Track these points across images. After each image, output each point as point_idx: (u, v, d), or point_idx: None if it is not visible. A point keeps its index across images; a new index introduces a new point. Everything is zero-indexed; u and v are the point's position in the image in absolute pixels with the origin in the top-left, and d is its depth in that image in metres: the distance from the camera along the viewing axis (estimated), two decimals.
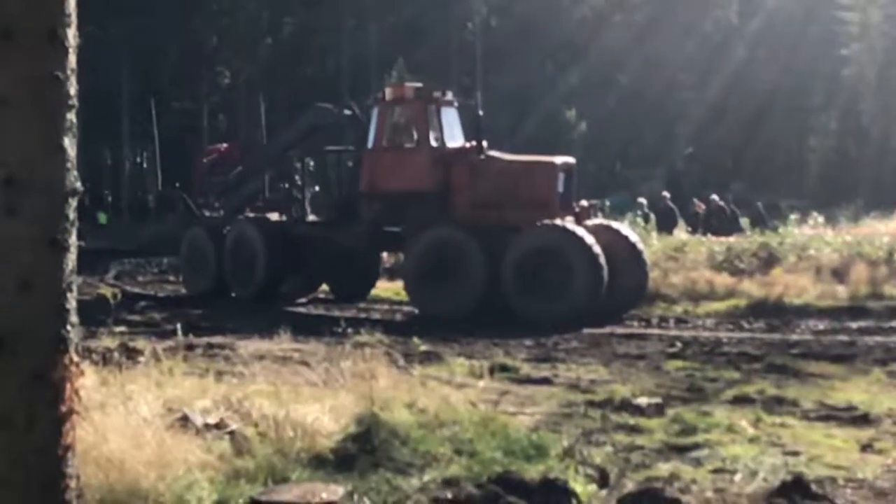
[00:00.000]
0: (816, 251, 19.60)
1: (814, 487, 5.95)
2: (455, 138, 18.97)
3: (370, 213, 19.06)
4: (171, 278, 25.15)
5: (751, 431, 8.12)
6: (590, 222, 17.96)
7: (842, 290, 17.87)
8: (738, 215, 26.53)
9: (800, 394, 9.83)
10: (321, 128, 21.38)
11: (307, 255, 20.16)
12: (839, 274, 18.56)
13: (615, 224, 19.07)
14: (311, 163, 21.66)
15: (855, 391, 10.04)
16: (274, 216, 21.08)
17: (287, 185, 21.81)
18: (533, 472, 6.30)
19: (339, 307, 19.65)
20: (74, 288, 4.38)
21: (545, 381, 10.79)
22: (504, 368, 11.35)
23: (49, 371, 4.22)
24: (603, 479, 6.57)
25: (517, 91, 48.45)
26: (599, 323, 15.86)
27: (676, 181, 45.27)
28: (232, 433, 6.62)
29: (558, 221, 17.12)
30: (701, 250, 20.37)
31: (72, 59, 4.28)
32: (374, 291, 21.15)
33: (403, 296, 18.93)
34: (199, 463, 5.94)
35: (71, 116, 4.29)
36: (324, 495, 5.60)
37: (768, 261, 19.54)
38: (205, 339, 13.11)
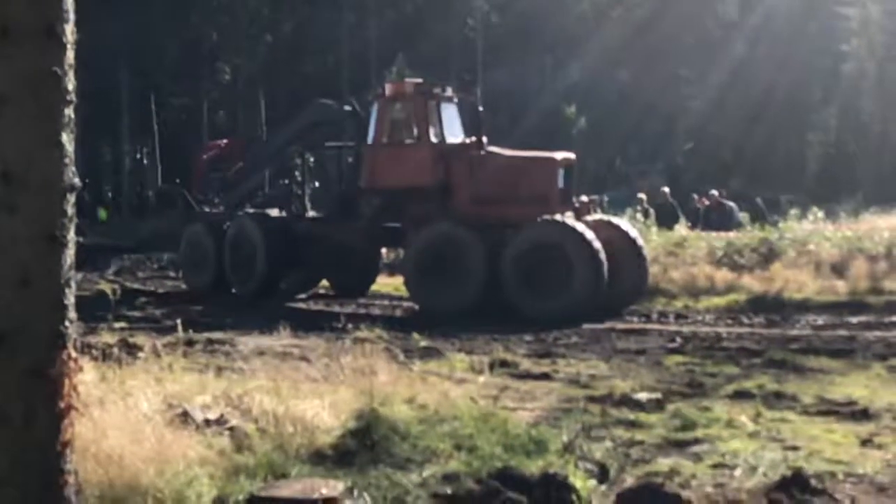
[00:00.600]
0: (816, 246, 19.60)
1: (813, 482, 5.95)
2: (455, 134, 18.96)
3: (370, 209, 19.06)
4: (171, 274, 25.14)
5: (750, 426, 8.13)
6: (590, 218, 17.95)
7: (841, 285, 17.87)
8: (735, 210, 26.51)
9: (799, 389, 9.83)
10: (321, 124, 21.36)
11: (307, 251, 20.14)
12: (839, 269, 18.57)
13: (615, 219, 19.05)
14: (311, 159, 21.65)
15: (855, 386, 10.04)
16: (274, 212, 21.07)
17: (287, 181, 21.81)
18: (533, 467, 6.30)
19: (338, 303, 19.64)
20: (73, 284, 4.38)
21: (545, 377, 10.80)
22: (504, 364, 11.34)
23: (47, 367, 4.22)
24: (603, 474, 6.57)
25: (517, 87, 48.43)
26: (599, 318, 15.85)
27: (676, 177, 45.26)
28: (232, 429, 6.62)
29: (558, 217, 17.12)
30: (701, 245, 20.36)
31: (70, 55, 4.28)
32: (374, 287, 21.15)
33: (403, 291, 18.93)
34: (199, 459, 5.94)
35: (69, 112, 4.29)
36: (324, 491, 5.59)
37: (768, 256, 19.54)
38: (205, 335, 13.11)
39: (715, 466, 6.86)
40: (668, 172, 48.11)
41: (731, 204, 27.10)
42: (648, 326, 15.73)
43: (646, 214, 24.29)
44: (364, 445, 6.55)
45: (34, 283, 4.18)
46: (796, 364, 11.31)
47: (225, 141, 26.46)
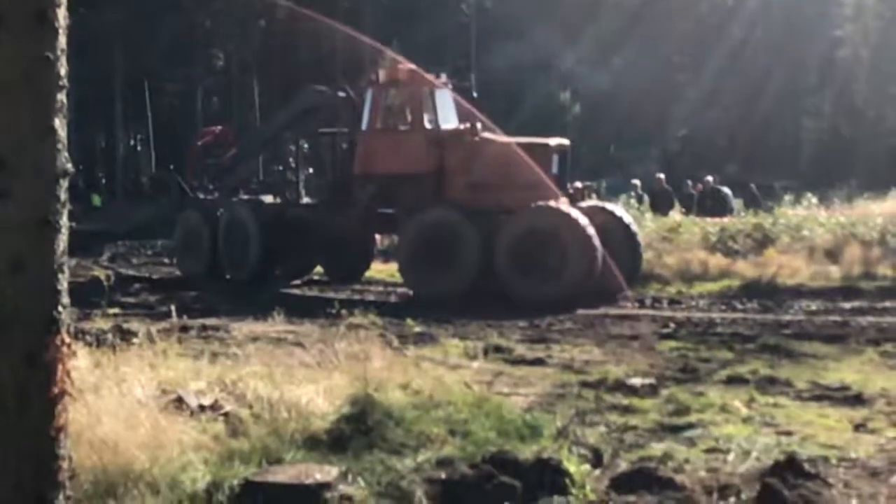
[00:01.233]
0: (810, 232, 19.65)
1: (807, 467, 5.96)
2: (449, 120, 18.94)
3: (364, 195, 19.04)
4: (166, 260, 25.13)
5: (744, 411, 8.15)
6: (584, 204, 17.96)
7: (835, 271, 17.92)
8: (729, 196, 26.54)
9: (793, 374, 9.86)
10: (315, 110, 21.32)
11: (301, 237, 20.12)
12: (832, 254, 18.61)
13: (609, 205, 19.07)
14: (306, 145, 21.64)
15: (848, 371, 10.08)
16: (268, 198, 21.07)
17: (281, 168, 21.84)
18: (527, 452, 6.31)
19: (333, 289, 19.65)
20: (66, 269, 4.37)
21: (539, 362, 10.82)
22: (498, 349, 11.37)
23: (41, 352, 4.22)
24: (596, 459, 6.58)
25: (511, 73, 48.30)
26: (593, 304, 15.87)
27: (670, 163, 45.25)
28: (226, 414, 6.62)
29: (552, 203, 17.12)
30: (695, 231, 20.39)
31: (62, 41, 4.26)
32: (368, 273, 21.16)
33: (398, 277, 18.93)
34: (194, 444, 5.95)
35: (62, 97, 4.27)
36: (318, 476, 5.60)
37: (762, 242, 19.58)
38: (199, 321, 13.12)
39: (708, 451, 6.89)
40: (662, 158, 48.12)
41: (726, 190, 27.12)
42: (642, 312, 15.75)
43: (640, 200, 24.30)
44: (358, 431, 6.55)
45: (27, 269, 4.17)
46: (790, 349, 11.33)
47: (219, 127, 26.39)
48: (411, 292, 18.05)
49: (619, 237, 17.44)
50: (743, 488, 5.69)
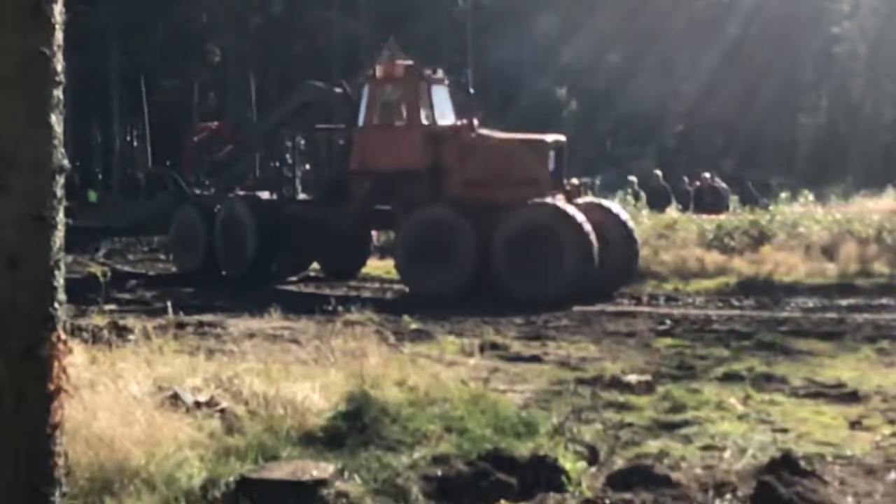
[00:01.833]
0: (806, 229, 19.66)
1: (802, 464, 5.96)
2: (446, 116, 18.93)
3: (361, 192, 19.01)
4: (162, 257, 25.09)
5: (740, 408, 8.16)
6: (580, 200, 17.95)
7: (831, 268, 17.93)
8: (727, 192, 26.57)
9: (789, 371, 9.87)
10: (312, 105, 21.31)
11: (298, 234, 20.11)
12: (829, 251, 18.63)
13: (605, 202, 19.07)
14: (302, 141, 21.59)
15: (844, 368, 10.08)
16: (264, 194, 21.02)
17: (278, 164, 21.77)
18: (523, 449, 6.32)
19: (329, 285, 19.64)
20: (62, 265, 4.36)
21: (535, 359, 10.82)
22: (494, 346, 11.38)
23: (36, 349, 4.21)
24: (593, 457, 6.59)
25: (508, 69, 48.28)
26: (589, 301, 15.87)
27: (667, 159, 45.23)
28: (222, 411, 6.62)
29: (549, 199, 17.12)
30: (691, 228, 20.40)
31: (58, 36, 4.25)
32: (364, 270, 21.15)
33: (394, 274, 18.92)
34: (189, 441, 5.94)
35: (57, 93, 4.26)
36: (314, 473, 5.59)
37: (758, 239, 19.59)
38: (195, 318, 13.12)
39: (704, 448, 6.89)
40: (659, 155, 48.08)
41: (724, 186, 27.15)
42: (639, 309, 15.76)
43: (637, 197, 24.31)
44: (354, 428, 6.55)
45: (22, 265, 4.16)
46: (786, 346, 11.35)
47: (215, 123, 26.36)
48: (408, 289, 18.04)
49: (615, 234, 17.44)
50: (739, 485, 5.69)
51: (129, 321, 10.95)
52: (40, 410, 4.27)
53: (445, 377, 8.24)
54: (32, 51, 4.15)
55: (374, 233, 21.75)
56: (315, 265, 21.71)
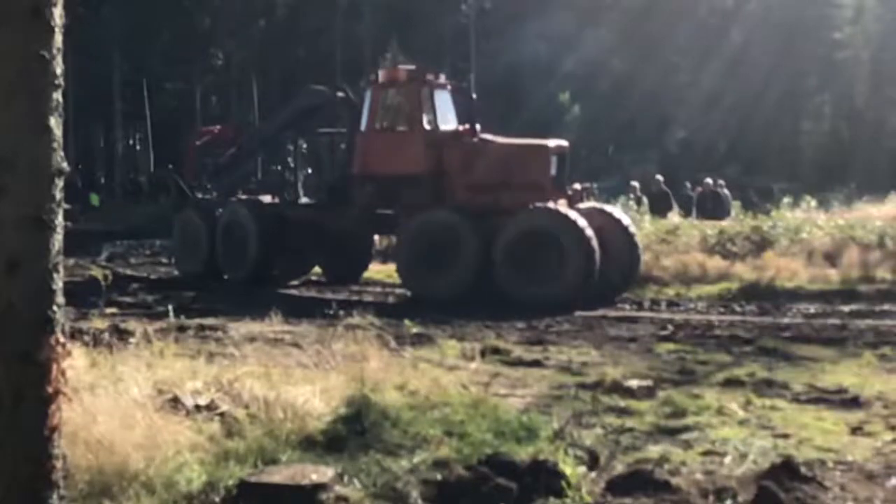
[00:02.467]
0: (808, 235, 19.64)
1: (803, 470, 5.95)
2: (448, 121, 18.94)
3: (363, 196, 19.00)
4: (164, 260, 25.11)
5: (741, 414, 8.14)
6: (582, 205, 17.95)
7: (833, 274, 17.91)
8: (729, 198, 26.56)
9: (790, 377, 9.84)
10: (314, 110, 21.31)
11: (299, 238, 20.10)
12: (831, 257, 18.61)
13: (608, 207, 19.06)
14: (304, 145, 21.62)
15: (845, 374, 10.06)
16: (266, 198, 21.04)
17: (280, 167, 21.79)
18: (523, 453, 6.30)
19: (331, 289, 19.63)
20: (61, 268, 4.36)
21: (536, 364, 10.79)
22: (495, 351, 11.35)
23: (35, 352, 4.21)
24: (593, 461, 6.57)
25: (511, 74, 48.32)
26: (591, 306, 15.86)
27: (670, 165, 45.22)
28: (222, 415, 6.61)
29: (551, 204, 17.12)
30: (693, 233, 20.39)
31: (58, 39, 4.26)
32: (366, 274, 21.14)
33: (396, 278, 18.91)
34: (189, 444, 5.94)
35: (57, 96, 4.26)
36: (314, 477, 5.59)
37: (760, 244, 19.57)
38: (196, 321, 13.09)
39: (705, 454, 6.87)
40: (661, 161, 48.10)
41: (726, 192, 27.15)
42: (640, 314, 15.75)
43: (639, 202, 24.31)
44: (355, 432, 6.55)
45: (21, 268, 4.16)
46: (787, 352, 11.34)
47: (218, 127, 26.39)
48: (409, 293, 18.04)
49: (617, 239, 17.42)
50: (739, 491, 5.68)
51: (130, 324, 10.95)
52: (39, 413, 4.27)
53: (446, 381, 8.23)
54: (32, 54, 4.15)
55: (375, 237, 21.75)
56: (317, 269, 21.71)
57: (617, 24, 51.32)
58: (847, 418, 8.04)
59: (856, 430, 7.64)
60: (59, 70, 4.25)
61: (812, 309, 15.60)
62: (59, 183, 4.30)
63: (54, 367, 4.27)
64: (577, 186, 18.64)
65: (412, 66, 19.52)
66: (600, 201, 19.57)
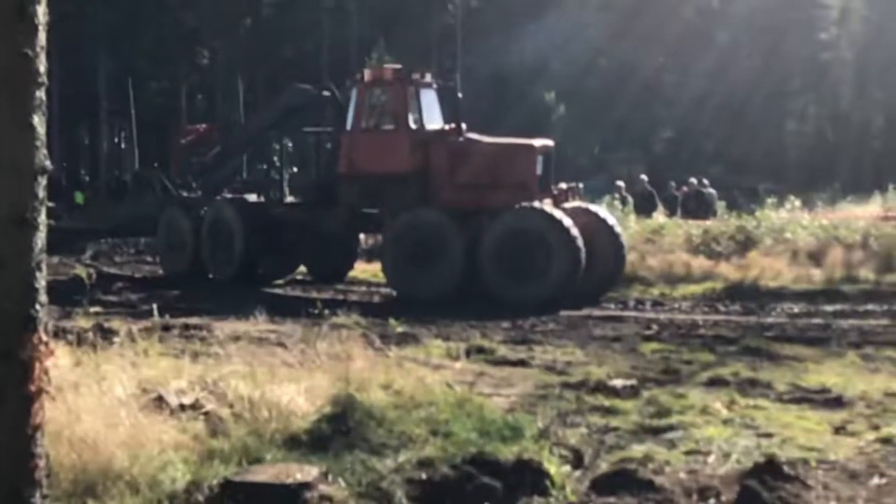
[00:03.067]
0: (793, 235, 19.72)
1: (786, 469, 5.98)
2: (434, 120, 18.93)
3: (348, 195, 18.99)
4: (148, 259, 25.04)
5: (725, 413, 8.16)
6: (568, 205, 17.97)
7: (817, 274, 17.98)
8: (714, 198, 26.66)
9: (774, 376, 9.88)
10: (300, 109, 21.27)
11: (285, 237, 20.07)
12: (815, 257, 18.70)
13: (593, 207, 19.08)
14: (290, 144, 21.58)
15: (829, 374, 10.09)
16: (252, 197, 20.99)
17: (265, 166, 21.74)
18: (508, 452, 6.31)
19: (316, 288, 19.60)
20: (44, 267, 4.34)
21: (521, 363, 10.80)
22: (480, 350, 11.36)
23: (18, 350, 4.19)
24: (577, 460, 6.59)
25: (497, 74, 48.34)
26: (576, 305, 15.88)
27: (655, 165, 45.33)
28: (207, 414, 6.60)
29: (536, 204, 17.13)
30: (678, 233, 20.44)
31: (41, 37, 4.24)
32: (351, 273, 21.12)
33: (381, 278, 18.91)
34: (174, 443, 5.93)
35: (40, 94, 4.24)
36: (298, 476, 5.58)
37: (745, 244, 19.63)
38: (181, 320, 13.05)
39: (689, 453, 6.89)
40: (647, 161, 48.20)
41: (711, 191, 27.24)
42: (625, 313, 15.78)
43: (624, 202, 24.36)
44: (339, 431, 6.54)
45: (4, 266, 4.14)
46: (771, 352, 11.37)
47: (203, 125, 26.32)
48: (395, 292, 18.03)
49: (602, 238, 17.45)
50: (722, 490, 5.70)
51: (115, 323, 10.91)
52: (21, 412, 4.25)
53: (431, 381, 8.22)
54: (15, 52, 4.13)
55: (361, 236, 21.73)
56: (302, 268, 21.67)
57: (604, 25, 51.39)
58: (830, 418, 8.07)
59: (839, 430, 7.68)
60: (42, 68, 4.23)
61: (796, 308, 15.66)
62: (43, 181, 4.28)
63: (37, 365, 4.25)
64: (563, 186, 18.66)
65: (398, 66, 19.49)
66: (586, 201, 19.60)
